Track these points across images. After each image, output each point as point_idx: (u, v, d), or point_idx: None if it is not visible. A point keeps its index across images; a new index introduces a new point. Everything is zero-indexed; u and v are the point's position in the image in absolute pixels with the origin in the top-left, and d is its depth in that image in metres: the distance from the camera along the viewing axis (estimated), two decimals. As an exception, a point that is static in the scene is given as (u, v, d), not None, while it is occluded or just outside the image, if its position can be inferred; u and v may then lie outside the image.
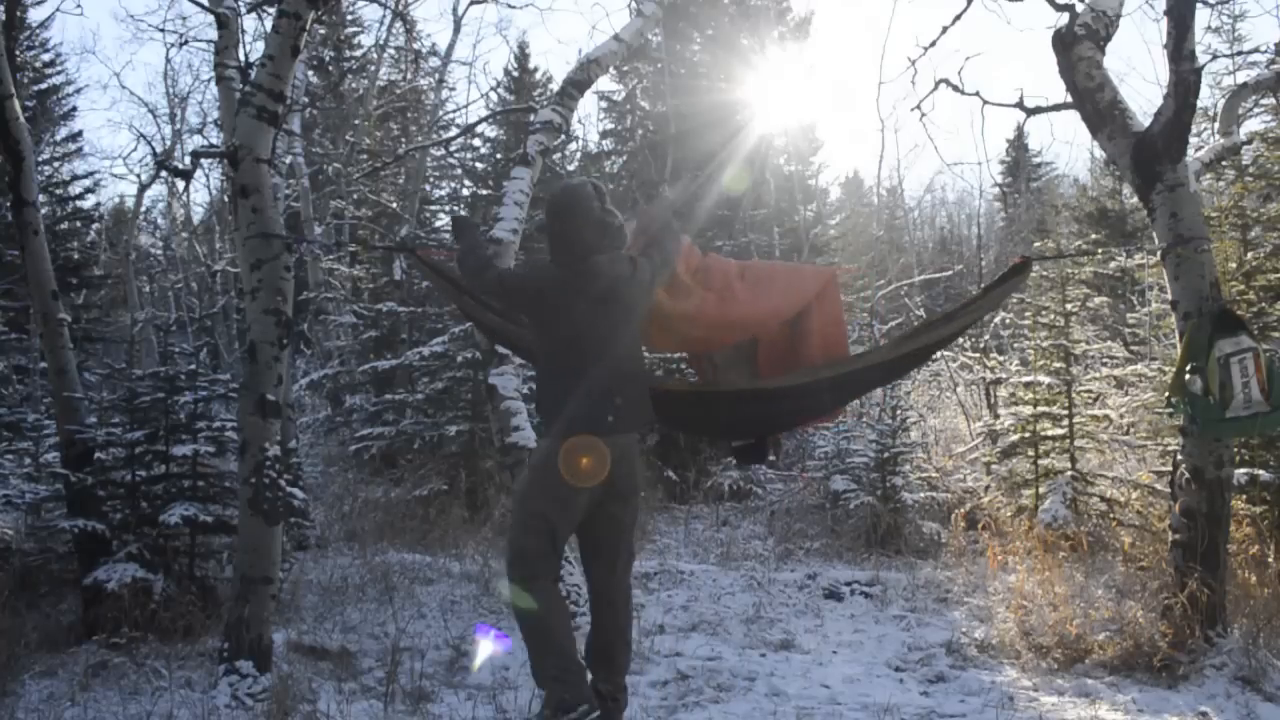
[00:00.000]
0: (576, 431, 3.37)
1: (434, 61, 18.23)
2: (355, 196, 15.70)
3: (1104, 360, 10.05)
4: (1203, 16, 20.61)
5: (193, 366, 6.15)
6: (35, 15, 18.58)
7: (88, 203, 19.74)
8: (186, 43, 22.42)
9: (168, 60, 39.12)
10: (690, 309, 3.91)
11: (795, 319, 4.07)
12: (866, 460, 7.87)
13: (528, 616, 3.29)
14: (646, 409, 3.59)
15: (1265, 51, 10.02)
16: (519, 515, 3.45)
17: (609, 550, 3.48)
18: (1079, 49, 4.54)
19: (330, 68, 19.13)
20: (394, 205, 16.62)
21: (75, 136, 21.13)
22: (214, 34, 7.08)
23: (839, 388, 4.15)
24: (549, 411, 3.50)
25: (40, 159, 18.40)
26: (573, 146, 18.86)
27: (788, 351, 4.09)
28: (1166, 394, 4.60)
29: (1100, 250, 11.74)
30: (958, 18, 5.68)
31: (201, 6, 6.75)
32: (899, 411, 8.14)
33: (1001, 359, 10.95)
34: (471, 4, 15.02)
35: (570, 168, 17.87)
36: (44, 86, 19.82)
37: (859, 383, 4.37)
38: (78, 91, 28.86)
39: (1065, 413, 7.27)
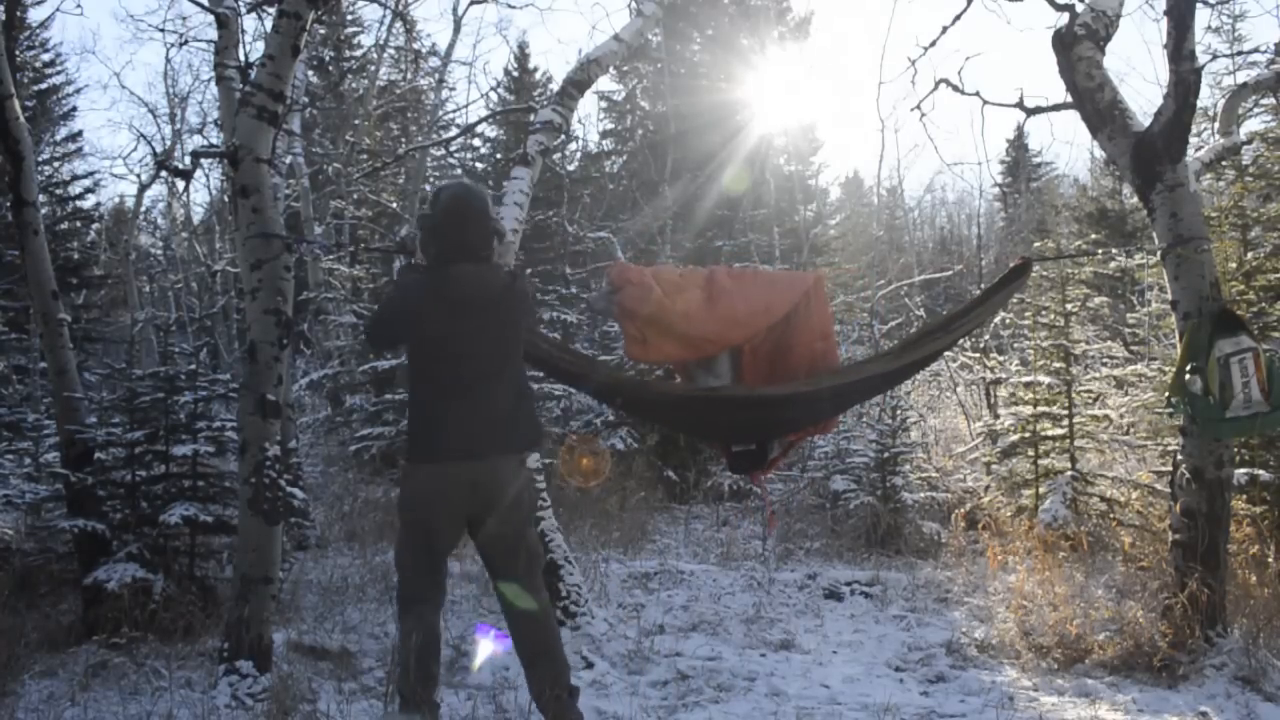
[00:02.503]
0: (426, 456, 3.32)
1: (434, 61, 18.26)
2: (355, 196, 15.69)
3: (1104, 360, 10.05)
4: (1203, 16, 20.61)
5: (193, 366, 6.15)
6: (35, 15, 18.65)
7: (88, 203, 19.82)
8: (186, 43, 22.39)
9: (168, 60, 39.08)
10: (685, 306, 3.93)
11: (781, 328, 4.08)
12: (866, 460, 7.87)
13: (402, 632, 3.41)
14: (525, 431, 3.43)
15: (1265, 51, 10.02)
16: (400, 535, 3.51)
17: (500, 562, 3.46)
18: (1079, 49, 4.54)
19: (330, 68, 19.14)
20: (394, 205, 16.61)
21: (75, 136, 21.20)
22: (214, 34, 7.09)
23: (841, 395, 4.18)
24: (409, 429, 3.43)
25: (40, 159, 18.41)
26: (573, 146, 18.88)
27: (771, 368, 4.12)
28: (1166, 394, 4.60)
29: (1100, 250, 11.74)
30: (958, 18, 5.67)
31: (201, 6, 6.74)
32: (899, 411, 8.14)
33: (1001, 359, 10.95)
34: (471, 4, 15.00)
35: (570, 167, 17.87)
36: (44, 86, 19.84)
37: (861, 390, 4.40)
38: (78, 91, 28.84)
39: (1065, 413, 7.27)
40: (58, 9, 22.23)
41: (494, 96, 22.31)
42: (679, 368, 4.33)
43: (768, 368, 4.10)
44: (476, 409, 3.29)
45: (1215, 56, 11.24)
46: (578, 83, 6.13)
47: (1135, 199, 8.31)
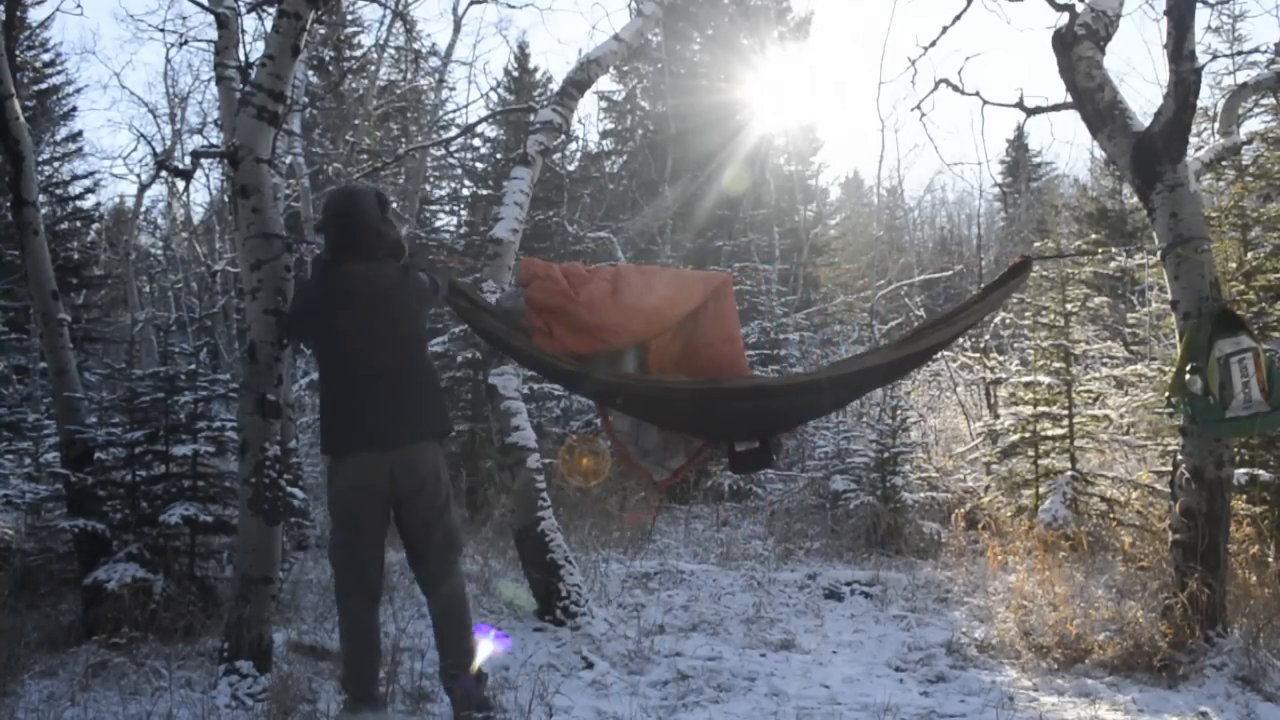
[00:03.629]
0: (341, 450, 3.45)
1: (434, 61, 18.22)
2: (355, 196, 15.65)
3: (1104, 360, 10.06)
4: (1203, 16, 20.61)
5: (193, 366, 6.15)
6: (35, 15, 18.60)
7: (88, 203, 19.75)
8: (186, 43, 22.32)
9: (168, 60, 39.07)
10: (589, 296, 4.04)
11: (690, 328, 4.15)
12: (866, 460, 7.87)
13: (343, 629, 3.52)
14: (433, 420, 3.56)
15: (1265, 51, 10.02)
16: (331, 531, 3.61)
17: (416, 544, 3.59)
18: (1079, 49, 4.55)
19: (330, 68, 19.13)
20: (394, 205, 16.58)
21: (75, 136, 21.11)
22: (214, 34, 7.09)
23: (840, 387, 4.20)
24: (321, 425, 3.56)
25: (40, 159, 18.39)
26: (573, 146, 18.86)
27: (677, 369, 4.19)
28: (1166, 394, 4.60)
29: (1100, 250, 11.74)
30: (958, 18, 5.68)
31: (201, 6, 6.74)
32: (899, 411, 8.15)
33: (1001, 359, 10.95)
34: (471, 4, 14.99)
35: (570, 168, 17.86)
36: (44, 86, 19.80)
37: (859, 383, 4.41)
38: (78, 91, 28.73)
39: (1065, 413, 7.27)
40: (58, 9, 22.16)
41: (494, 96, 22.24)
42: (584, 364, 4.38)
43: (674, 368, 4.18)
44: (380, 402, 3.44)
45: (1215, 56, 11.23)
46: (578, 83, 6.14)
47: (1135, 199, 8.32)
